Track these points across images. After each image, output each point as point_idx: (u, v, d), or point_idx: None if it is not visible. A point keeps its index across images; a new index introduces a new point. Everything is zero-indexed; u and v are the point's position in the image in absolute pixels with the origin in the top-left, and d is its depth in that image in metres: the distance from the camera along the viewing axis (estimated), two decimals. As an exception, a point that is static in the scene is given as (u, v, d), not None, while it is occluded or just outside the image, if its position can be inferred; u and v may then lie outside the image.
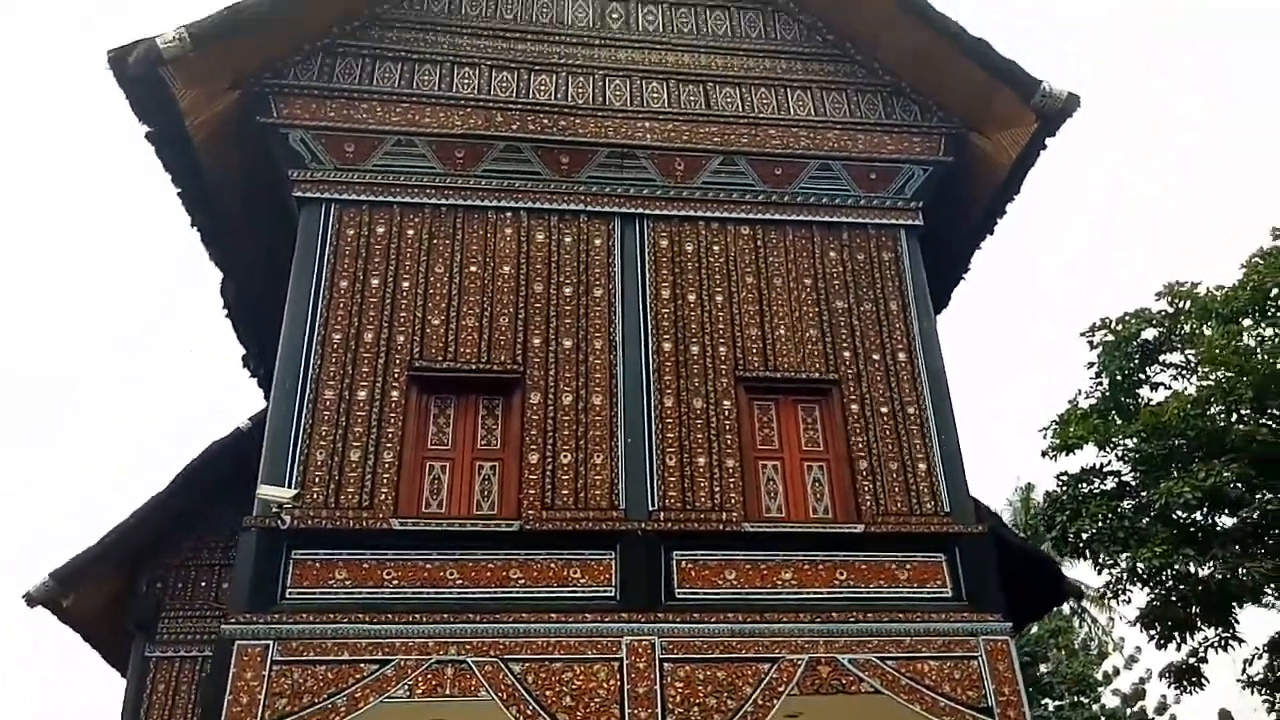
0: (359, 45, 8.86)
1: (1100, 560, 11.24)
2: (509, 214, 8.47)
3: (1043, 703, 32.04)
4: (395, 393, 7.66)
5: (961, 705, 6.83)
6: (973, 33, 8.63)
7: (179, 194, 8.89)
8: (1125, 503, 11.80)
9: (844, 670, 6.87)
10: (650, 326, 8.22)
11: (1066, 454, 12.09)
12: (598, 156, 8.70)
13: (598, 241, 8.47)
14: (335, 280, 8.04)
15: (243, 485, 11.85)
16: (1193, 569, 10.34)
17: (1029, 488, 27.05)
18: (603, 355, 8.03)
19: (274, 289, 8.75)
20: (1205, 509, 10.68)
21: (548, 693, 6.55)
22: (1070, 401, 13.50)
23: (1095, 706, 33.64)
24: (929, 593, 7.35)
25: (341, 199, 8.32)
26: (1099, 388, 13.16)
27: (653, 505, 7.47)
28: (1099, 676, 29.92)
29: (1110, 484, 12.26)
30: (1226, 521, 11.28)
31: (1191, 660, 11.54)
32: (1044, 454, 12.05)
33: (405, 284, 8.10)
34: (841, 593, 7.25)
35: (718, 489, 7.62)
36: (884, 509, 7.68)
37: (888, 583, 7.35)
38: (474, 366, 7.87)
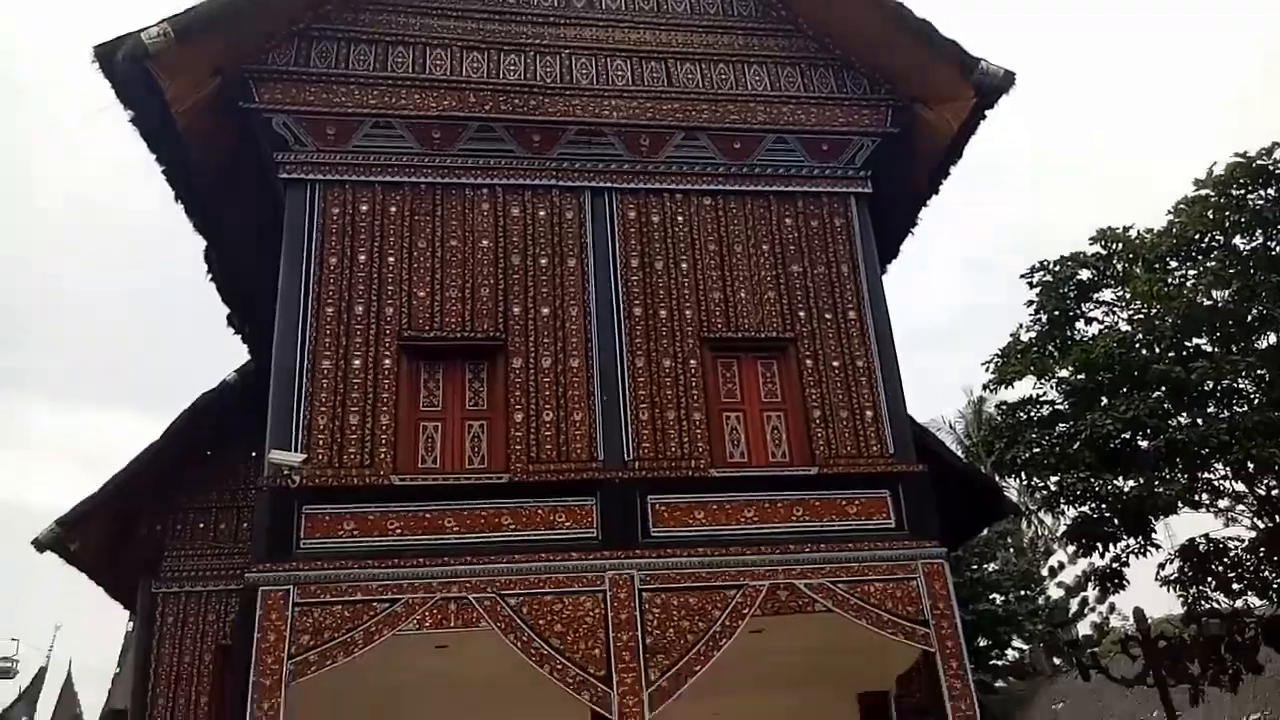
0: (333, 29, 9.26)
1: (1033, 482, 12.38)
2: (485, 190, 9.07)
3: (990, 597, 34.40)
4: (388, 361, 8.37)
5: (902, 619, 7.87)
6: (917, 14, 9.24)
7: (164, 172, 9.36)
8: (1059, 427, 12.91)
9: (800, 593, 7.86)
10: (621, 293, 8.94)
11: (1006, 387, 13.13)
12: (567, 134, 9.28)
13: (570, 215, 9.12)
14: (324, 257, 8.63)
15: (230, 435, 12.59)
16: (1113, 488, 11.50)
17: (980, 400, 28.61)
18: (578, 321, 8.77)
19: (259, 256, 9.33)
20: (1127, 435, 11.82)
21: (541, 621, 7.48)
22: (1012, 335, 14.53)
23: (1040, 600, 36.22)
24: (875, 524, 8.33)
25: (326, 179, 8.85)
26: (1038, 324, 14.18)
27: (628, 456, 8.32)
28: (1045, 572, 32.12)
29: (1046, 411, 13.37)
30: (1146, 444, 12.44)
31: (1114, 565, 12.84)
32: (985, 387, 13.08)
33: (391, 259, 8.72)
34: (798, 527, 8.20)
35: (686, 439, 8.48)
36: (835, 452, 8.60)
37: (839, 517, 8.31)
38: (459, 335, 8.57)
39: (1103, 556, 12.48)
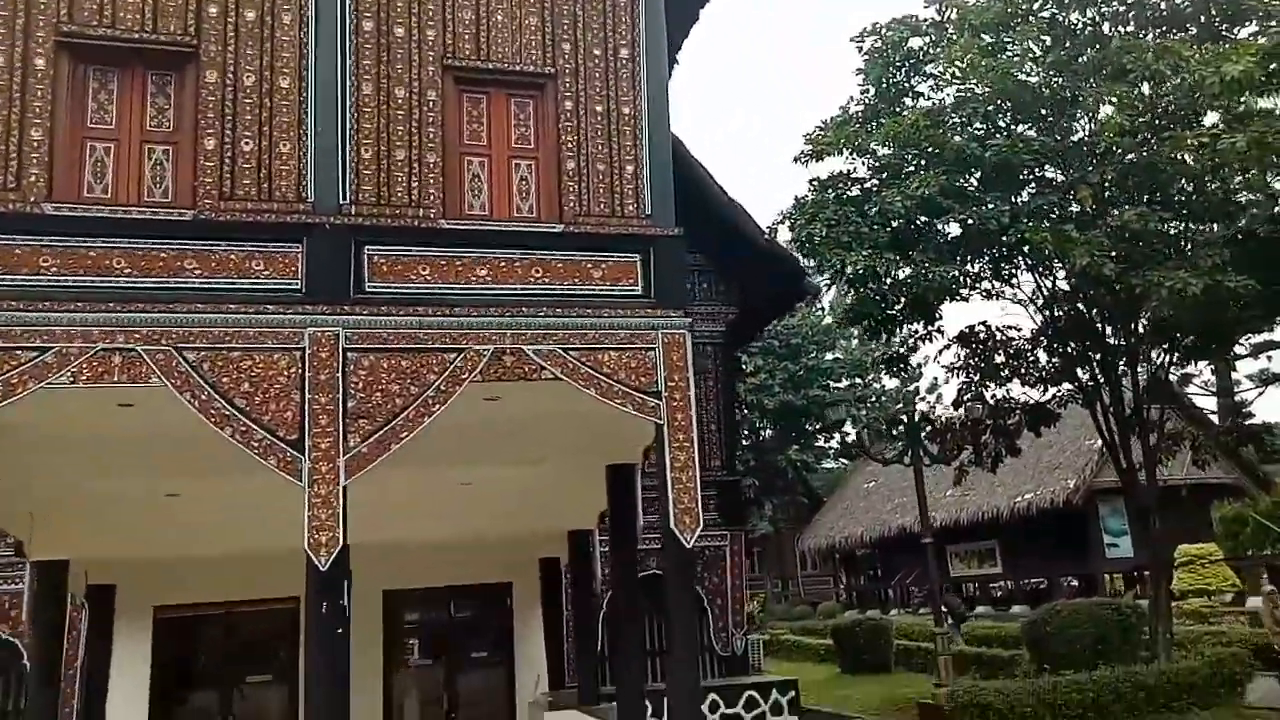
0: None
1: (824, 262, 12.06)
2: None
3: (824, 384, 36.32)
4: (41, 60, 6.80)
5: (634, 390, 7.43)
6: None
7: None
8: (868, 209, 12.45)
9: (527, 359, 7.26)
10: (349, 2, 7.47)
11: (817, 160, 12.44)
12: None
13: (285, -108, 7.37)
14: (-50, -85, 6.74)
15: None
16: (894, 272, 11.28)
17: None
18: (291, 31, 7.31)
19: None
20: (922, 218, 11.46)
21: (225, 380, 6.63)
22: (841, 108, 13.68)
23: (876, 386, 38.51)
24: (620, 290, 7.67)
25: None
26: (865, 95, 13.33)
27: (344, 199, 7.24)
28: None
29: (856, 191, 12.85)
30: (951, 230, 12.20)
31: (901, 350, 12.99)
32: (795, 160, 12.36)
33: (44, -73, 6.90)
34: (534, 289, 7.46)
35: (417, 184, 7.44)
36: (586, 210, 7.77)
37: (581, 280, 7.60)
38: (137, 35, 7.03)
39: (887, 341, 12.53)
